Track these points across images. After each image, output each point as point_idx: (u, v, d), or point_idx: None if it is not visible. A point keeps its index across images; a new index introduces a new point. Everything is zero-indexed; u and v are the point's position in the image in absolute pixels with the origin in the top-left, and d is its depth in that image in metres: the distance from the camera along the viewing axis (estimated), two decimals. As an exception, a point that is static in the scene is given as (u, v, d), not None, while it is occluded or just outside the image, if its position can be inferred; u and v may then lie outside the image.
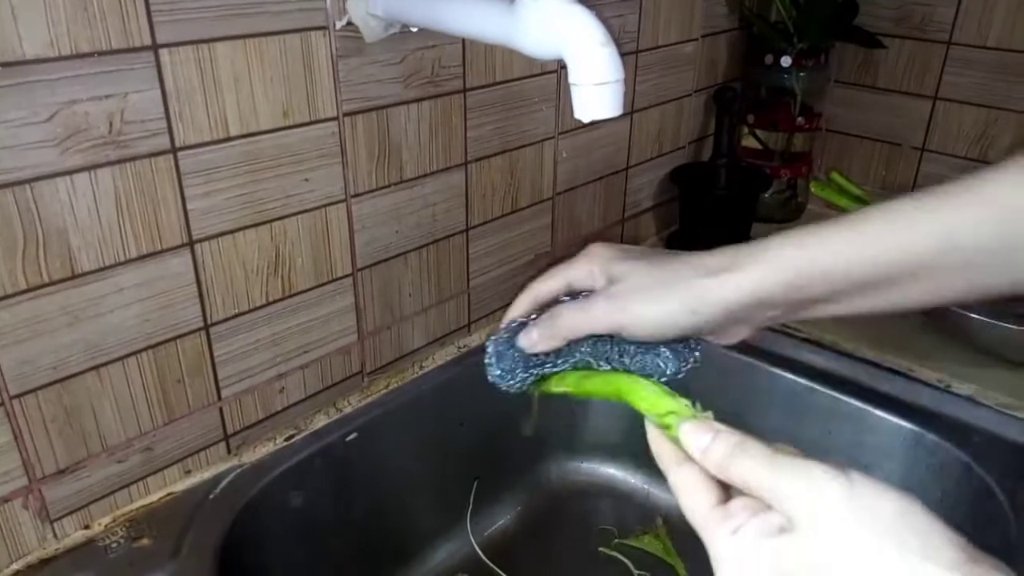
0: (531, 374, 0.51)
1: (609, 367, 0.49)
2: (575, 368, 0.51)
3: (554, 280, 0.52)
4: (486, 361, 0.52)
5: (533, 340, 0.50)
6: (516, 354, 0.51)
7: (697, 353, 0.51)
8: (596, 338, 0.50)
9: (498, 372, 0.52)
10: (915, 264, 0.44)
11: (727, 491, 0.37)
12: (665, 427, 0.41)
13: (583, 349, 0.50)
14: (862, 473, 0.34)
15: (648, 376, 0.47)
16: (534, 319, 0.51)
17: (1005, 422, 0.77)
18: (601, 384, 0.49)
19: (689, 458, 0.39)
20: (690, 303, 0.47)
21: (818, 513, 0.33)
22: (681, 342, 0.50)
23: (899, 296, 0.46)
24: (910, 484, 0.80)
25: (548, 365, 0.51)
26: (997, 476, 0.72)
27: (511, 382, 0.52)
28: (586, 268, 0.51)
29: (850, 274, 0.45)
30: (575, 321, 0.49)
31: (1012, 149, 1.06)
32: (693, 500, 0.38)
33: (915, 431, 0.79)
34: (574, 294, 0.51)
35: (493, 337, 0.53)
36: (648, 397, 0.44)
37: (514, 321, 0.52)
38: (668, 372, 0.49)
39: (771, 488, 0.35)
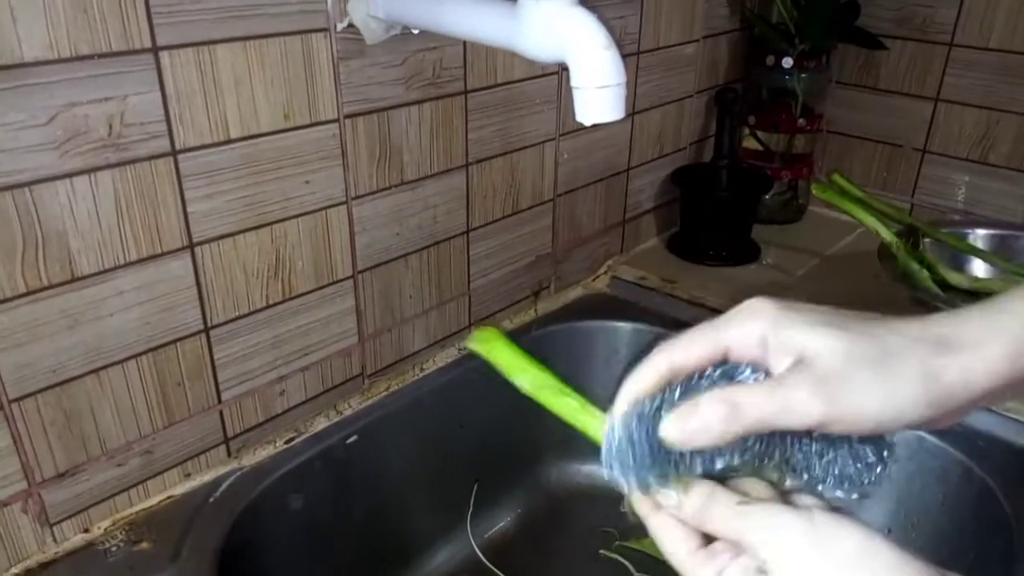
0: (665, 473, 0.37)
1: (787, 473, 0.38)
2: (728, 471, 0.37)
3: (702, 344, 0.38)
4: (609, 448, 0.38)
5: (692, 430, 0.36)
6: (649, 443, 0.37)
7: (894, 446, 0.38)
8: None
9: (619, 467, 0.38)
10: None
11: (705, 535, 0.37)
12: None
13: (752, 446, 0.37)
14: (826, 511, 0.35)
15: (842, 486, 0.37)
16: (676, 398, 0.37)
17: (1008, 425, 0.77)
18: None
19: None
20: (928, 392, 0.35)
21: (784, 558, 0.34)
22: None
23: None
24: (911, 487, 0.80)
25: (697, 463, 0.37)
26: (999, 480, 0.72)
27: (633, 479, 0.37)
28: (752, 331, 0.37)
29: None
30: (765, 412, 0.35)
31: (1013, 152, 1.06)
32: (675, 545, 0.37)
33: (916, 434, 0.78)
34: (726, 367, 0.38)
35: (619, 418, 0.38)
36: None
37: (646, 400, 0.37)
38: (870, 480, 0.37)
39: (740, 536, 0.35)
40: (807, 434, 0.37)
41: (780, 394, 0.35)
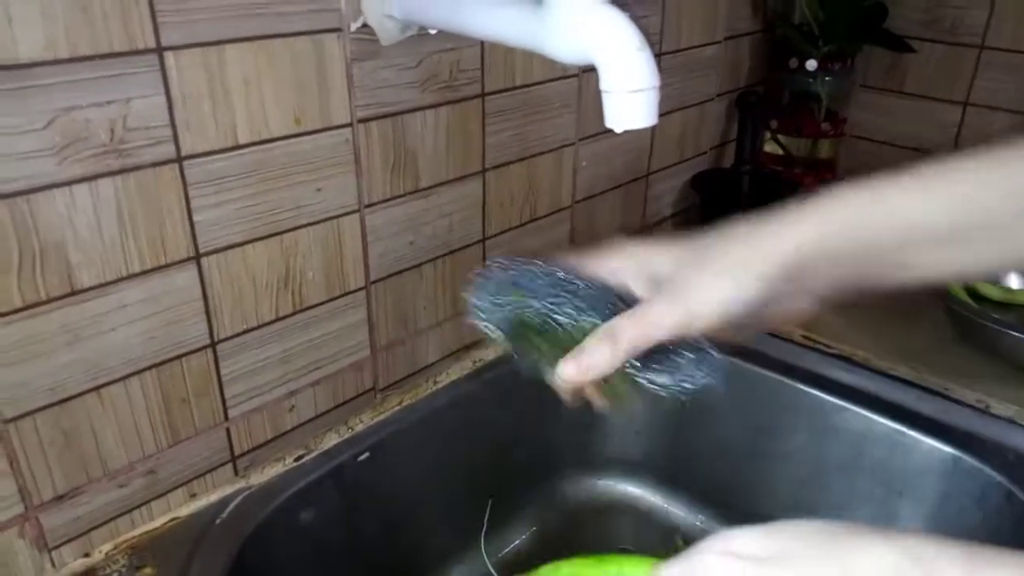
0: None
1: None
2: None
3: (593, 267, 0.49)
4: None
5: (585, 367, 0.44)
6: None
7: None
8: None
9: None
10: (986, 219, 0.42)
11: None
12: None
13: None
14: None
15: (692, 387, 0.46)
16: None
17: (1049, 445, 0.73)
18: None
19: None
20: (754, 266, 0.43)
21: None
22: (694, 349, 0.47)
23: (972, 256, 0.44)
24: (947, 509, 0.76)
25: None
26: (1042, 502, 0.69)
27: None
28: (624, 264, 0.49)
29: (921, 224, 0.43)
30: (638, 335, 0.44)
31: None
32: None
33: (953, 454, 0.75)
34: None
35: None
36: None
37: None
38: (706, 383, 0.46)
39: None
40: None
41: (643, 318, 0.44)
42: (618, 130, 0.51)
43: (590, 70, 0.50)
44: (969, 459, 0.74)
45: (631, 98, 0.50)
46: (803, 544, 0.38)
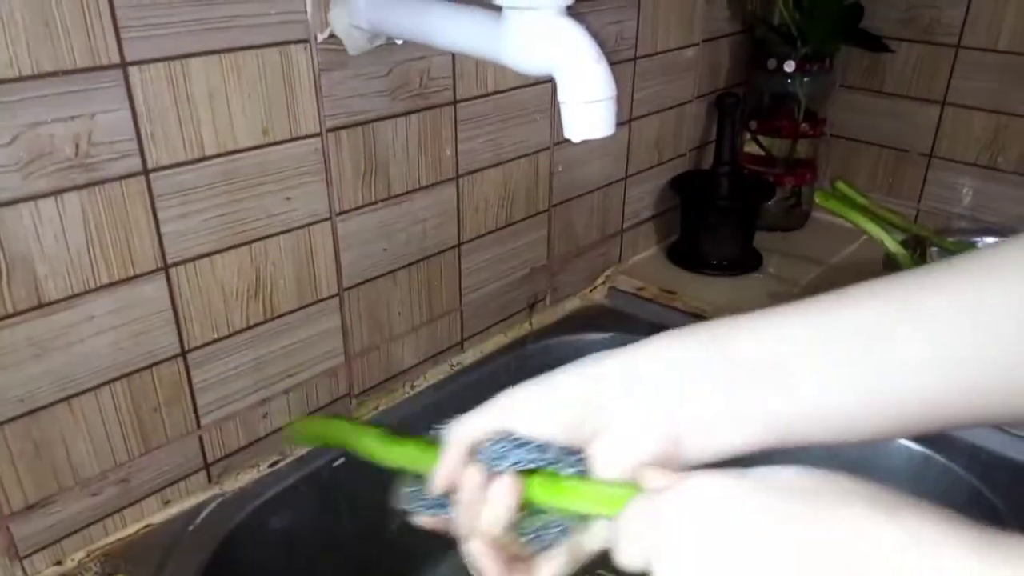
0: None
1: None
2: None
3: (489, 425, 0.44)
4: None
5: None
6: None
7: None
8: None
9: None
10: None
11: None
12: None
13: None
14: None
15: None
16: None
17: (1017, 445, 0.74)
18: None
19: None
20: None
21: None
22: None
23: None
24: (918, 509, 0.77)
25: None
26: (1007, 501, 0.70)
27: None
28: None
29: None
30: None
31: (1022, 157, 1.03)
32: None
33: (923, 452, 0.76)
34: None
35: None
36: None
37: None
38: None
39: None
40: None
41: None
42: (576, 140, 0.51)
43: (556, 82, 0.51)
44: (939, 458, 0.75)
45: (588, 108, 0.51)
46: (804, 505, 0.33)
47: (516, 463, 0.40)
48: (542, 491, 0.40)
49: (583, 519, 0.40)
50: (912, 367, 0.37)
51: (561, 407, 0.41)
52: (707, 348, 0.40)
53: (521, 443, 0.41)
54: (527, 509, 0.41)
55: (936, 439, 0.75)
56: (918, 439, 0.76)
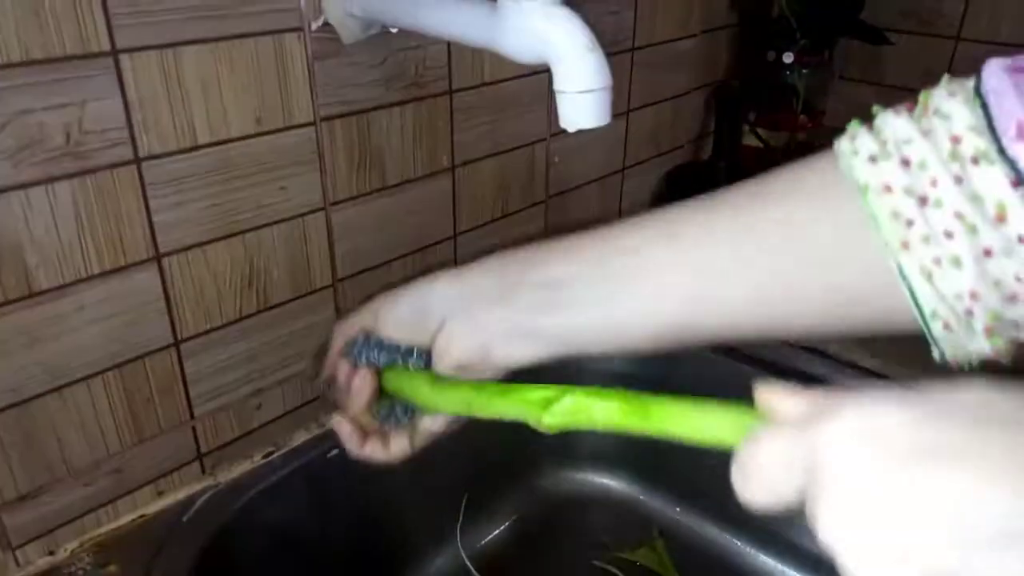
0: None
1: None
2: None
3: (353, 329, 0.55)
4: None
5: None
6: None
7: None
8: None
9: None
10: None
11: None
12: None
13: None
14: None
15: None
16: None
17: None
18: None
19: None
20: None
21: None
22: None
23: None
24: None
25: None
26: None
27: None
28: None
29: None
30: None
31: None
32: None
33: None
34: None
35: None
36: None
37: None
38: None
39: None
40: None
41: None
42: (571, 130, 0.51)
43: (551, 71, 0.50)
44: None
45: (583, 98, 0.50)
46: (970, 435, 0.26)
47: (369, 359, 0.52)
48: (392, 382, 0.52)
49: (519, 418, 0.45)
50: (672, 291, 0.42)
51: (404, 314, 0.51)
52: (506, 273, 0.47)
53: (379, 342, 0.52)
54: (385, 397, 0.53)
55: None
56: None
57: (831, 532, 0.28)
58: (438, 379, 0.49)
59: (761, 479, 0.32)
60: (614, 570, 0.88)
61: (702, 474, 0.92)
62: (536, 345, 0.47)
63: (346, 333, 0.54)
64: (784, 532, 0.87)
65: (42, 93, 0.50)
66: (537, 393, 0.42)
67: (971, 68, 1.15)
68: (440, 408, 0.50)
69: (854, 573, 0.27)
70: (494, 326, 0.46)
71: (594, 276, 0.44)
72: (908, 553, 0.25)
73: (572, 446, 0.97)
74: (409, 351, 0.51)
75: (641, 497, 0.97)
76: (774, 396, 0.34)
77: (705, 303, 0.42)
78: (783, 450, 0.31)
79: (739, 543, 0.91)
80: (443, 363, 0.49)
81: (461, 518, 0.87)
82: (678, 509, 0.95)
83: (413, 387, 0.50)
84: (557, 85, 0.51)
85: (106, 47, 0.52)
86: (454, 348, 0.48)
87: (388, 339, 0.52)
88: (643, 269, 0.43)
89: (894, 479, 0.26)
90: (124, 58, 0.53)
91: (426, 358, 0.51)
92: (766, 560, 0.89)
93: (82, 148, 0.53)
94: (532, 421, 0.42)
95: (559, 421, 0.41)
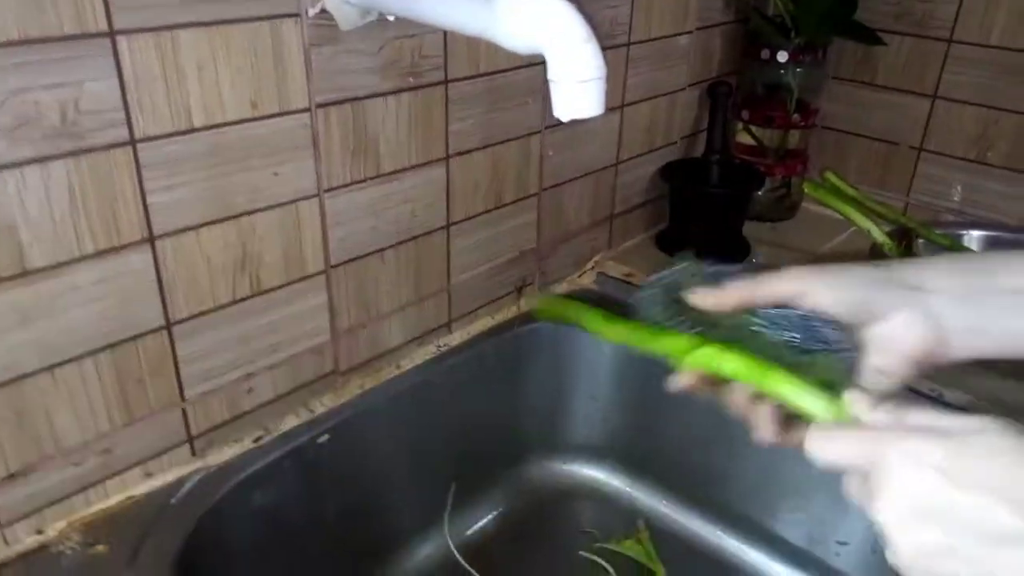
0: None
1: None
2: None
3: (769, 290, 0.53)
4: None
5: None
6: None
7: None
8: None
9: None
10: None
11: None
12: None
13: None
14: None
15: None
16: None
17: None
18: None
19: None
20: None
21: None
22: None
23: None
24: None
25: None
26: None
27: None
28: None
29: None
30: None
31: (1011, 152, 1.04)
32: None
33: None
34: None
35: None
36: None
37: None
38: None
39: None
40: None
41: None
42: (565, 119, 0.51)
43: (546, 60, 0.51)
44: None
45: (578, 88, 0.51)
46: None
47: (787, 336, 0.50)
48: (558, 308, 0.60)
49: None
50: None
51: (851, 287, 0.50)
52: (969, 275, 0.49)
53: (797, 317, 0.51)
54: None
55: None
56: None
57: (886, 521, 0.37)
58: (607, 314, 0.57)
59: (828, 450, 0.41)
60: (600, 561, 0.89)
61: (687, 467, 0.93)
62: (997, 343, 0.49)
63: (760, 292, 0.52)
64: (766, 524, 0.88)
65: (39, 72, 0.50)
66: (683, 340, 0.51)
67: (962, 70, 1.17)
68: (606, 335, 0.56)
69: (898, 558, 0.37)
70: (958, 323, 0.48)
71: None
72: (954, 549, 0.36)
73: (560, 438, 0.98)
74: (834, 341, 0.50)
75: (627, 489, 0.98)
76: (859, 401, 0.42)
77: None
78: (856, 440, 0.40)
79: (723, 535, 0.92)
80: (889, 349, 0.48)
81: (449, 507, 0.88)
82: (663, 501, 0.96)
83: (585, 315, 0.59)
84: (551, 74, 0.51)
85: (104, 28, 0.52)
86: (911, 337, 0.48)
87: (814, 310, 0.51)
88: None
89: (954, 503, 0.36)
90: (121, 40, 0.53)
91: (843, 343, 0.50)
92: (749, 551, 0.90)
93: (78, 128, 0.53)
94: (676, 358, 0.50)
95: (697, 362, 0.50)
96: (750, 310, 0.52)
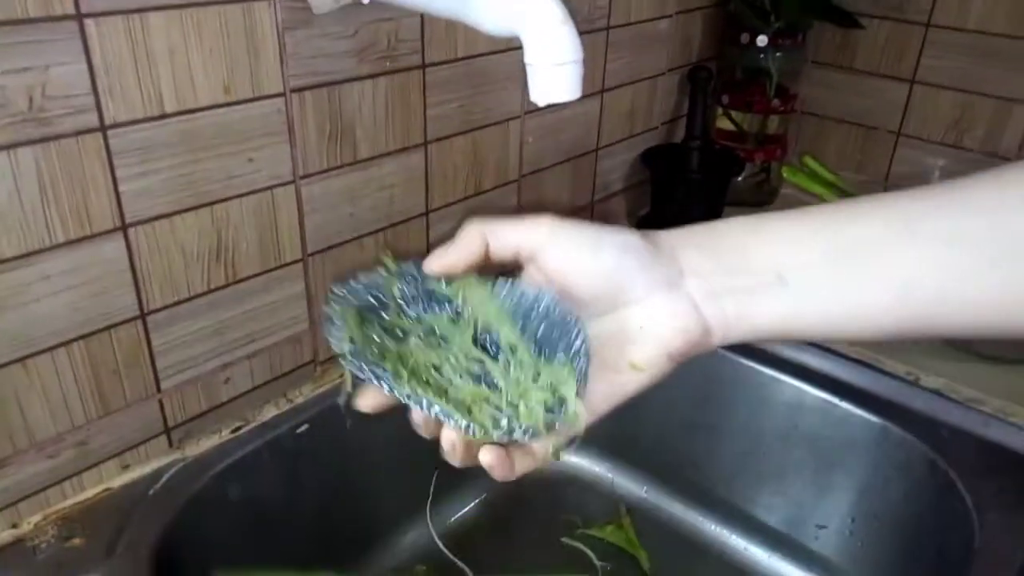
0: None
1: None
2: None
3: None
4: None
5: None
6: None
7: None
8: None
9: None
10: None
11: None
12: None
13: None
14: None
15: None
16: None
17: (972, 417, 0.75)
18: None
19: None
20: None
21: None
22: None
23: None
24: (875, 479, 0.79)
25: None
26: (962, 472, 0.71)
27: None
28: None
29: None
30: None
31: (987, 136, 1.04)
32: None
33: (882, 424, 0.77)
34: None
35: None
36: None
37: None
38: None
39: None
40: None
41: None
42: (541, 104, 0.51)
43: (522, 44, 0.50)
44: (897, 429, 0.76)
45: (554, 71, 0.50)
46: None
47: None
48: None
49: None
50: (915, 294, 0.39)
51: (606, 254, 0.41)
52: (721, 252, 0.43)
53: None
54: None
55: (894, 412, 0.77)
56: (876, 412, 0.77)
57: None
58: None
59: None
60: (582, 547, 0.89)
61: (668, 453, 0.93)
62: (755, 330, 0.42)
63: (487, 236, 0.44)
64: (747, 510, 0.89)
65: (3, 56, 0.49)
66: None
67: (940, 55, 1.16)
68: None
69: None
70: (715, 312, 0.41)
71: (824, 268, 0.41)
72: None
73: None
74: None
75: (609, 475, 0.98)
76: None
77: (948, 304, 0.39)
78: None
79: (704, 521, 0.92)
80: (647, 342, 0.41)
81: (431, 495, 0.88)
82: (645, 488, 0.96)
83: None
84: (528, 57, 0.50)
85: (70, 11, 0.51)
86: (672, 330, 0.41)
87: (549, 275, 0.42)
88: (880, 266, 0.39)
89: None
90: (89, 23, 0.52)
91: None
92: (730, 536, 0.90)
93: (45, 114, 0.52)
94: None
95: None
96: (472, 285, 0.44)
